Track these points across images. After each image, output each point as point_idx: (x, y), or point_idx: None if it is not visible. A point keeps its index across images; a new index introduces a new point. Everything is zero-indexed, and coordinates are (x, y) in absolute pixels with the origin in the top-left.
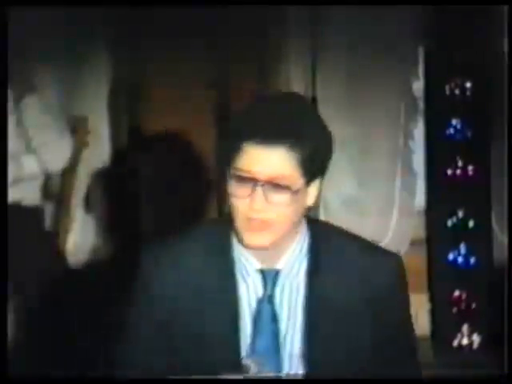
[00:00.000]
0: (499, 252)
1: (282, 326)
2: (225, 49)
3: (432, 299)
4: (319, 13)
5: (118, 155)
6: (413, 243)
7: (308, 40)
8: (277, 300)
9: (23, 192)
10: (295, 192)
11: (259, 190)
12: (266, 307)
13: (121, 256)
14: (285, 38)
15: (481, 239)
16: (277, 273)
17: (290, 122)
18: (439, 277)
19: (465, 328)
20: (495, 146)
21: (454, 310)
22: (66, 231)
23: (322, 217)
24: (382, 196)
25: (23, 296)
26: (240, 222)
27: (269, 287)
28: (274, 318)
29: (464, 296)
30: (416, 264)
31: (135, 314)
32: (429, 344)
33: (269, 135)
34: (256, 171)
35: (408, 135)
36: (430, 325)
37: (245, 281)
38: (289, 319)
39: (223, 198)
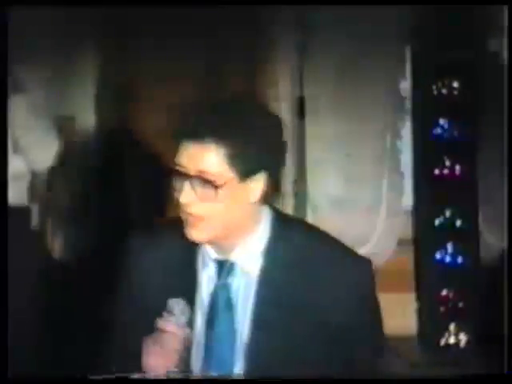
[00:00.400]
0: (486, 251)
1: (238, 315)
2: (212, 49)
3: (419, 298)
4: (307, 13)
5: (105, 155)
6: (400, 243)
7: (295, 40)
8: (232, 289)
9: (11, 192)
10: (222, 187)
11: (187, 184)
12: (221, 295)
13: (109, 255)
14: (272, 38)
15: (468, 239)
16: (231, 263)
17: (219, 119)
18: (426, 276)
19: (452, 327)
20: (482, 145)
21: (442, 309)
22: (53, 231)
23: (310, 217)
24: (369, 196)
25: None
26: (182, 215)
27: (223, 276)
28: (229, 306)
29: (451, 295)
30: (403, 263)
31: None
32: (416, 343)
33: (198, 131)
34: (186, 166)
35: (395, 135)
36: (417, 324)
37: (205, 269)
38: (242, 311)
39: None
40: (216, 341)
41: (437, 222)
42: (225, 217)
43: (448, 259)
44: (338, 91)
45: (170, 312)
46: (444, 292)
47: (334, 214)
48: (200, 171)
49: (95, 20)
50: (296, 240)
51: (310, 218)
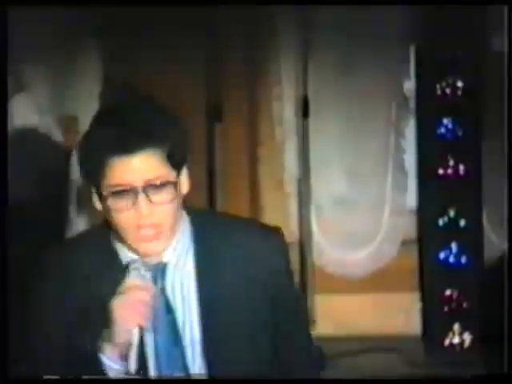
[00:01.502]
0: (490, 251)
1: (179, 316)
2: (214, 49)
3: (423, 298)
4: (310, 13)
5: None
6: (404, 242)
7: (299, 40)
8: (169, 292)
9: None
10: (174, 185)
11: (141, 196)
12: (160, 300)
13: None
14: (275, 38)
15: (472, 238)
16: (164, 266)
17: (146, 126)
18: (430, 276)
19: (456, 327)
20: (486, 145)
21: (445, 308)
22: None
23: (314, 216)
24: (373, 195)
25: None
26: (130, 234)
27: (159, 280)
28: (169, 310)
29: (455, 295)
30: (407, 263)
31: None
32: (420, 343)
33: (128, 144)
34: (131, 181)
35: (399, 134)
36: (421, 324)
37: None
38: (184, 309)
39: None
40: (163, 345)
41: (441, 221)
42: (174, 216)
43: (452, 259)
44: (341, 91)
45: (136, 269)
46: (448, 292)
47: (338, 214)
48: (149, 179)
49: (97, 19)
50: (215, 227)
51: (314, 218)
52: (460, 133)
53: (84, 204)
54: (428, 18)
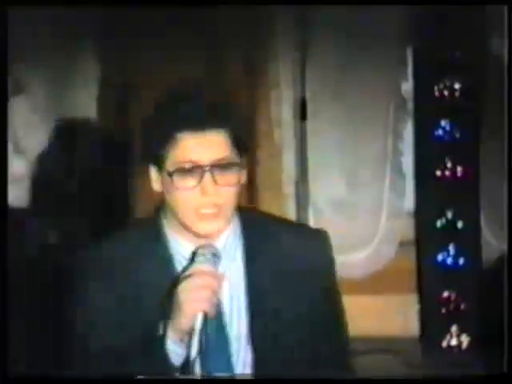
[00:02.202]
0: (488, 253)
1: (226, 306)
2: (213, 49)
3: (421, 300)
4: (308, 13)
5: (107, 155)
6: (402, 244)
7: (297, 40)
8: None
9: (13, 191)
10: (239, 169)
11: (207, 175)
12: None
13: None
14: (273, 38)
15: (470, 240)
16: (218, 251)
17: (216, 108)
18: (428, 278)
19: (454, 329)
20: (484, 146)
21: (443, 310)
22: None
23: (312, 219)
24: (370, 197)
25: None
26: (190, 214)
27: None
28: (218, 302)
29: (453, 297)
30: (405, 265)
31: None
32: (418, 344)
33: (201, 122)
34: (198, 159)
35: (397, 136)
36: (419, 325)
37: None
38: (232, 301)
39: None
40: (210, 338)
41: (438, 223)
42: (234, 203)
43: (450, 261)
44: (339, 92)
45: (204, 255)
46: (446, 293)
47: (336, 216)
48: (217, 159)
49: (95, 20)
50: (263, 225)
51: (312, 220)
52: (458, 134)
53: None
54: (426, 19)
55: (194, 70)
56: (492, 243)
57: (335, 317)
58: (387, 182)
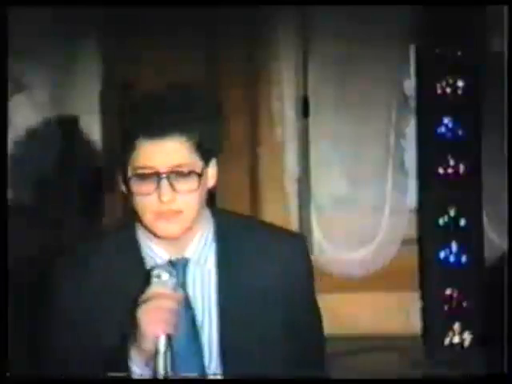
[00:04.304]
0: (490, 250)
1: (198, 312)
2: (214, 48)
3: (423, 297)
4: (310, 13)
5: (109, 154)
6: (404, 242)
7: (299, 40)
8: (190, 288)
9: (15, 190)
10: (200, 176)
11: (164, 181)
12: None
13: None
14: (275, 37)
15: (472, 238)
16: (186, 261)
17: (177, 112)
18: (430, 275)
19: (456, 326)
20: (486, 144)
21: (446, 308)
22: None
23: (314, 216)
24: (373, 195)
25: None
26: (149, 217)
27: (180, 276)
28: (189, 305)
29: (455, 294)
30: (407, 262)
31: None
32: (420, 342)
33: (160, 128)
34: (156, 165)
35: (399, 134)
36: (421, 323)
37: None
38: (203, 307)
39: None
40: (180, 342)
41: (441, 221)
42: (197, 207)
43: (452, 258)
44: (341, 90)
45: (159, 277)
46: (448, 291)
47: (338, 214)
48: (175, 166)
49: (97, 19)
50: (238, 227)
51: (314, 218)
52: (460, 132)
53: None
54: (428, 18)
55: (194, 70)
56: (494, 241)
57: (311, 323)
58: (389, 179)
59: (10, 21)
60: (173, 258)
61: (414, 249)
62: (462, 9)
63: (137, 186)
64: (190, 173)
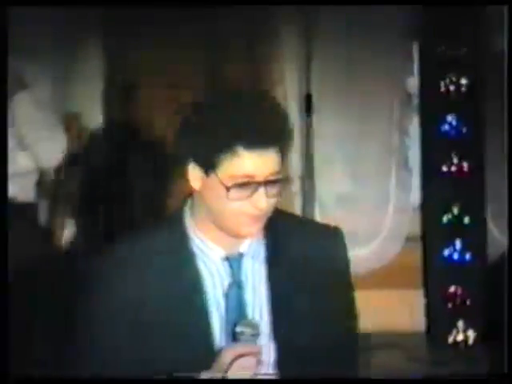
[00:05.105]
0: (494, 248)
1: (249, 310)
2: (215, 49)
3: (427, 295)
4: (312, 12)
5: (110, 152)
6: (408, 239)
7: (302, 39)
8: (243, 283)
9: (17, 188)
10: (283, 180)
11: (261, 190)
12: (234, 293)
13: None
14: (278, 38)
15: (476, 235)
16: (241, 256)
17: (274, 124)
18: (434, 273)
19: (460, 324)
20: (490, 142)
21: (449, 305)
22: (61, 228)
23: (318, 214)
24: (377, 193)
25: (18, 293)
26: (238, 220)
27: (235, 273)
28: (241, 303)
29: (459, 292)
30: (411, 260)
31: (98, 314)
32: (424, 340)
33: (261, 140)
34: (254, 174)
35: (403, 132)
36: (425, 320)
37: (209, 271)
38: (254, 301)
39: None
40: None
41: (445, 218)
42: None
43: (456, 256)
44: (345, 89)
45: (241, 334)
46: (452, 289)
47: (342, 211)
48: (271, 174)
49: (97, 19)
50: (285, 224)
51: (318, 216)
52: (464, 130)
53: None
54: (430, 16)
55: (194, 70)
56: (498, 238)
57: (351, 315)
58: (393, 177)
59: (10, 21)
60: (228, 255)
61: (418, 246)
62: (467, 8)
63: (234, 194)
64: (281, 180)
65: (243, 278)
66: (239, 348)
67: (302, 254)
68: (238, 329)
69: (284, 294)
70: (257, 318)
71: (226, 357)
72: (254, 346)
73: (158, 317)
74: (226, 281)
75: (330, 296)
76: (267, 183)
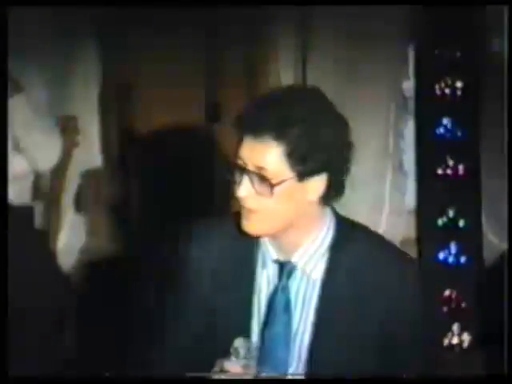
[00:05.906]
0: (490, 251)
1: (295, 317)
2: (213, 49)
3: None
4: (308, 13)
5: (107, 155)
6: (403, 242)
7: (297, 40)
8: (292, 291)
9: (13, 191)
10: (278, 186)
11: (245, 177)
12: (280, 297)
13: (111, 255)
14: (273, 38)
15: (471, 238)
16: (293, 267)
17: (277, 114)
18: (429, 276)
19: (455, 327)
20: (486, 145)
21: (445, 309)
22: (57, 230)
23: None
24: (372, 195)
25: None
26: (241, 211)
27: (284, 278)
28: (287, 309)
29: (454, 295)
30: None
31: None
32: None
33: (257, 126)
34: (245, 159)
35: (398, 135)
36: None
37: (264, 269)
38: (302, 313)
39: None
40: (271, 342)
41: (440, 221)
42: (279, 213)
43: (451, 259)
44: (340, 91)
45: (236, 352)
46: (447, 292)
47: None
48: (259, 167)
49: (97, 19)
50: (358, 244)
51: None
52: (459, 133)
53: None
54: (427, 18)
55: (194, 70)
56: (494, 242)
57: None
58: (388, 180)
59: (10, 21)
60: (280, 259)
61: (413, 249)
62: (462, 9)
63: (231, 174)
64: (268, 179)
65: (293, 287)
66: (228, 364)
67: (363, 276)
68: (236, 344)
69: (333, 314)
70: (300, 331)
71: (216, 366)
72: (242, 367)
73: (207, 307)
74: (275, 283)
75: (382, 321)
76: (254, 174)
